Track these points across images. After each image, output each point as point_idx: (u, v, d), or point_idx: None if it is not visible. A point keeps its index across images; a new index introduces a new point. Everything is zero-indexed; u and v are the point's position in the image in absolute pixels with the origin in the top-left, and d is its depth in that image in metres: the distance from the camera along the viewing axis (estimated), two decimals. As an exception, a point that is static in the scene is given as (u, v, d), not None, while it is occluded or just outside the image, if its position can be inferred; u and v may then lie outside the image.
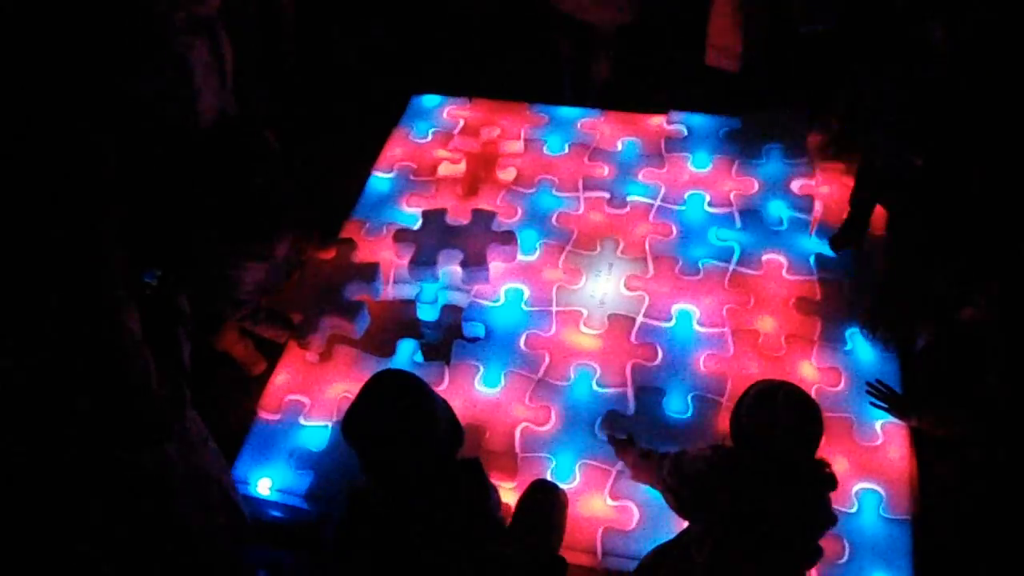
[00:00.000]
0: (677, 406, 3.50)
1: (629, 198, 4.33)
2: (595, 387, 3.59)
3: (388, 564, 2.43)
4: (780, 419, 2.45)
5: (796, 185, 4.35)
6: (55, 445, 2.23)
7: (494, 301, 3.92)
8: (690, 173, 4.45)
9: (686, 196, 4.33)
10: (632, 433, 3.22)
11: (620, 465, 3.28)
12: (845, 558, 3.08)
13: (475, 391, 3.57)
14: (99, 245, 2.22)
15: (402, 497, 2.40)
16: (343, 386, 3.62)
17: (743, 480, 2.48)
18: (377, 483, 2.45)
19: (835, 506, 3.13)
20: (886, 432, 3.40)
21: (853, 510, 3.20)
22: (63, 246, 2.14)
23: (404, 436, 2.35)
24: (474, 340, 3.79)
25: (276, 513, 3.36)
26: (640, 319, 3.81)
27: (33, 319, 2.11)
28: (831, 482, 2.53)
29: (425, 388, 2.46)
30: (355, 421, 2.40)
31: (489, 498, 2.59)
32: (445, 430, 2.46)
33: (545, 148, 4.62)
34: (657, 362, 3.65)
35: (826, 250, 4.03)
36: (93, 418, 2.21)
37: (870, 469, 3.30)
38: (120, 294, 2.25)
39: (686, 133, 4.67)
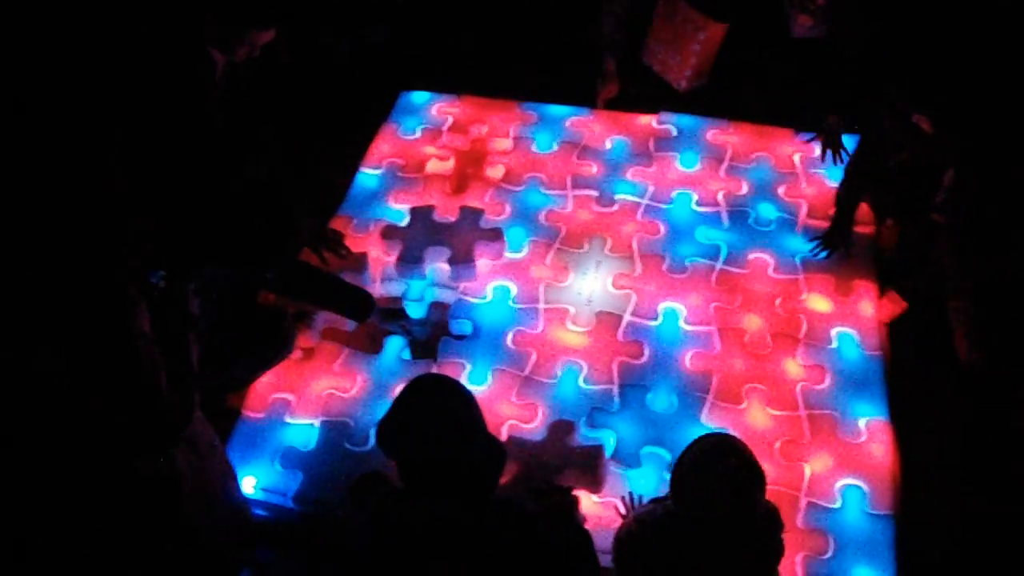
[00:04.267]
0: (662, 403, 3.51)
1: (617, 196, 4.34)
2: (582, 384, 3.59)
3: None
4: (724, 486, 2.39)
5: (782, 190, 4.37)
6: (66, 448, 2.22)
7: (481, 298, 3.92)
8: (678, 173, 4.46)
9: (674, 195, 4.34)
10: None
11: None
12: (829, 554, 3.10)
13: (462, 388, 3.57)
14: (116, 241, 2.21)
15: (439, 515, 2.32)
16: (328, 383, 3.62)
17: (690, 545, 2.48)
18: (413, 489, 2.37)
19: (819, 502, 3.19)
20: (870, 429, 3.42)
21: (837, 506, 3.22)
22: (79, 241, 2.12)
23: (448, 437, 2.31)
24: (461, 337, 3.79)
25: (260, 512, 3.34)
26: (627, 317, 3.82)
27: (45, 314, 2.10)
28: (780, 526, 2.57)
29: (468, 394, 2.45)
30: (395, 419, 2.38)
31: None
32: (487, 443, 2.42)
33: (534, 146, 4.62)
34: (643, 360, 3.66)
35: (810, 248, 4.06)
36: (104, 421, 2.20)
37: (854, 465, 3.32)
38: (132, 293, 2.24)
39: (675, 133, 4.68)
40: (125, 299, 2.19)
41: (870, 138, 3.80)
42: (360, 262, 4.01)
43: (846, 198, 3.98)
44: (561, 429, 3.40)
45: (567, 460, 3.29)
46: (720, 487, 2.39)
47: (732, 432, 3.03)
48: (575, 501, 2.99)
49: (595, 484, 3.24)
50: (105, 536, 2.37)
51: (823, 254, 4.01)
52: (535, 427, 3.45)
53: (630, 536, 2.66)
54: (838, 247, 4.00)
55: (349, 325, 3.79)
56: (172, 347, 2.39)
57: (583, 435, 3.40)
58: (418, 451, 2.32)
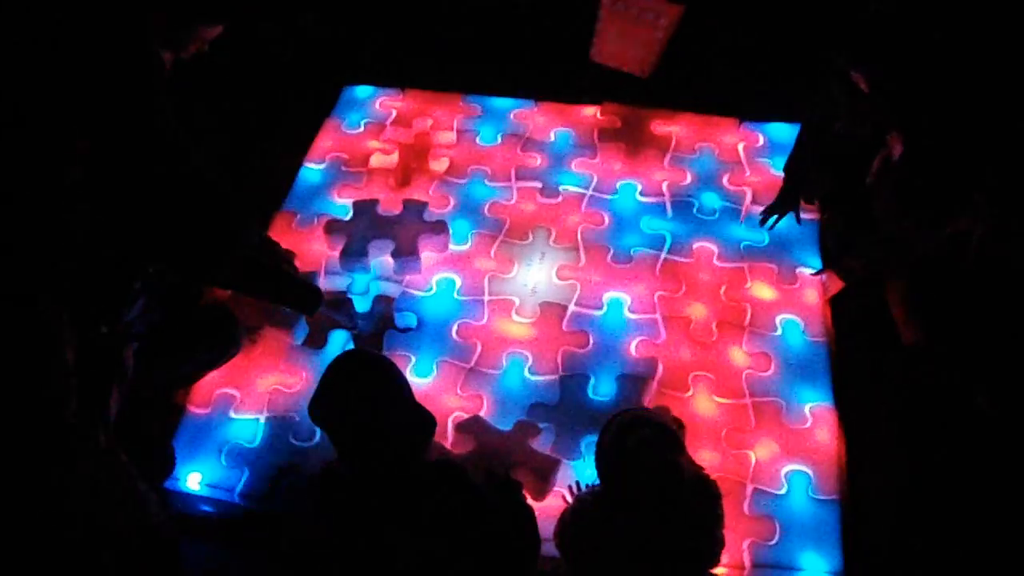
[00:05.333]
0: (607, 392, 3.52)
1: (561, 188, 4.33)
2: (527, 375, 3.58)
3: (354, 545, 2.43)
4: (643, 457, 2.43)
5: (726, 179, 4.38)
6: None
7: (426, 291, 3.90)
8: (622, 163, 4.47)
9: (618, 186, 4.35)
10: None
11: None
12: (776, 539, 3.12)
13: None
14: (56, 250, 2.17)
15: (373, 478, 2.42)
16: (273, 378, 3.58)
17: (626, 520, 2.47)
18: (348, 463, 2.49)
19: (765, 488, 3.21)
20: (815, 415, 3.45)
21: (783, 492, 3.24)
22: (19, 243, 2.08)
23: (367, 404, 2.40)
24: (406, 330, 3.76)
25: (206, 508, 3.30)
26: (572, 307, 3.81)
27: None
28: (716, 494, 2.57)
29: (388, 364, 2.54)
30: (321, 395, 2.47)
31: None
32: (410, 410, 2.50)
33: (478, 139, 4.60)
34: (589, 349, 3.66)
35: (754, 237, 4.08)
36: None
37: (799, 451, 3.34)
38: (62, 314, 2.19)
39: (620, 124, 4.67)
40: (51, 314, 2.15)
41: (818, 102, 3.80)
42: (304, 268, 3.96)
43: (795, 164, 3.97)
44: (528, 431, 3.36)
45: (525, 461, 3.25)
46: (640, 459, 2.42)
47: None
48: (521, 485, 2.98)
49: (541, 492, 3.21)
50: None
51: (771, 221, 4.04)
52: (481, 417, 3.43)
53: (572, 519, 2.67)
54: (784, 213, 4.01)
55: (296, 336, 3.74)
56: (92, 390, 2.35)
57: (543, 439, 3.38)
58: (340, 419, 2.45)
